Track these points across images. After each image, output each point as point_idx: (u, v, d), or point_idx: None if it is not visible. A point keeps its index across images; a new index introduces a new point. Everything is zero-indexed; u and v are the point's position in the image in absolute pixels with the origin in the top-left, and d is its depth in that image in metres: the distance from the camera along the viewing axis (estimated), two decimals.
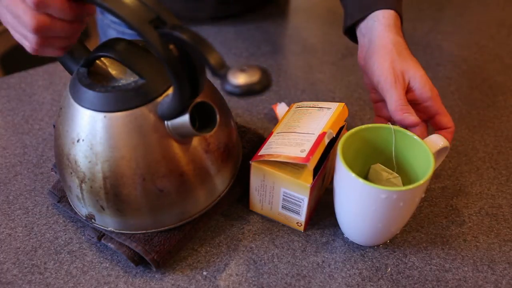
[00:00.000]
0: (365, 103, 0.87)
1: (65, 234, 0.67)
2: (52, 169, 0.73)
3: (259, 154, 0.65)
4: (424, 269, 0.65)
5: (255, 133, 0.73)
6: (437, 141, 0.63)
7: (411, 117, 0.64)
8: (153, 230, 0.63)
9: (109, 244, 0.63)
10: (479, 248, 0.67)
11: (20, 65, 1.01)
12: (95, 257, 0.65)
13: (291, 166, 0.63)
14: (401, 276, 0.64)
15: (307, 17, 1.07)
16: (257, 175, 0.65)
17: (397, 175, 0.66)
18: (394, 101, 0.65)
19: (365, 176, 0.68)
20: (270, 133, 0.68)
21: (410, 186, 0.58)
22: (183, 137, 0.58)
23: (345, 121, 0.69)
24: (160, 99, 0.57)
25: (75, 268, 0.64)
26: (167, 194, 0.60)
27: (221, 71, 0.46)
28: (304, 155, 0.62)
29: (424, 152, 0.61)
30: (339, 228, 0.68)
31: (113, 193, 0.59)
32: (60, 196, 0.68)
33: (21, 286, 0.62)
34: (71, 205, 0.67)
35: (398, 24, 0.71)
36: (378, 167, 0.67)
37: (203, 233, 0.68)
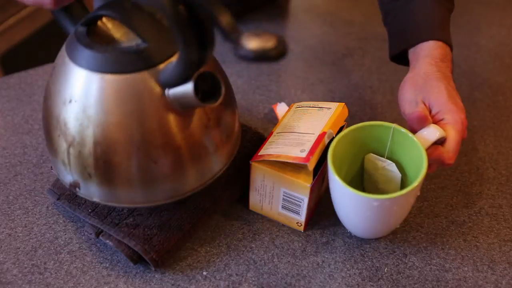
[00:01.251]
0: (365, 103, 0.87)
1: (65, 234, 0.67)
2: (52, 168, 0.73)
3: (259, 154, 0.65)
4: (424, 269, 0.64)
5: (255, 133, 0.73)
6: (433, 132, 0.62)
7: (416, 112, 0.63)
8: (141, 206, 0.60)
9: (107, 241, 0.63)
10: (479, 248, 0.67)
11: (20, 65, 1.01)
12: (95, 257, 0.65)
13: (291, 166, 0.63)
14: (401, 276, 0.64)
15: (307, 17, 1.07)
16: (257, 175, 0.65)
17: (391, 162, 0.65)
18: (408, 114, 0.64)
19: (361, 167, 0.68)
20: (270, 133, 0.68)
21: (402, 192, 0.58)
22: (183, 108, 0.55)
23: (345, 121, 0.69)
24: (162, 65, 0.54)
25: (75, 268, 0.64)
26: (161, 167, 0.57)
27: (234, 35, 0.44)
28: (304, 155, 0.62)
29: (418, 151, 0.61)
30: (339, 228, 0.68)
31: (103, 160, 0.56)
32: (60, 194, 0.68)
33: (21, 286, 0.62)
34: (70, 202, 0.67)
35: (436, 54, 0.69)
36: (372, 156, 0.66)
37: (203, 233, 0.68)
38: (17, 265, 0.64)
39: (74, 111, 0.55)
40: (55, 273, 0.63)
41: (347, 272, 0.64)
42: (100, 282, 0.63)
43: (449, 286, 0.63)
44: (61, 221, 0.69)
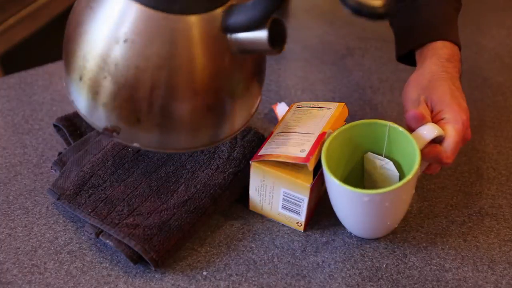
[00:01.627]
0: (365, 103, 0.87)
1: (65, 234, 0.67)
2: (52, 168, 0.73)
3: (259, 154, 0.65)
4: (424, 269, 0.64)
5: (255, 133, 0.73)
6: (431, 130, 0.62)
7: (412, 111, 0.63)
8: (182, 151, 0.59)
9: (107, 241, 0.63)
10: (479, 248, 0.67)
11: (20, 65, 1.01)
12: (95, 257, 0.65)
13: (291, 166, 0.63)
14: (401, 276, 0.64)
15: (307, 17, 1.07)
16: (257, 175, 0.65)
17: (389, 160, 0.65)
18: (407, 113, 0.64)
19: (361, 166, 0.68)
20: (270, 133, 0.68)
21: (392, 187, 0.58)
22: (243, 53, 0.54)
23: (345, 121, 0.69)
24: (222, 9, 0.52)
25: (75, 268, 0.64)
26: (214, 113, 0.56)
27: None
28: (304, 155, 0.62)
29: (413, 149, 0.61)
30: (339, 228, 0.68)
31: (159, 105, 0.53)
32: (60, 194, 0.68)
33: (21, 286, 0.62)
34: (70, 202, 0.67)
35: (442, 53, 0.69)
36: (370, 155, 0.67)
37: (203, 233, 0.68)
38: (17, 265, 0.64)
39: (129, 52, 0.51)
40: (55, 273, 0.63)
41: (347, 272, 0.64)
42: (100, 282, 0.63)
43: (449, 286, 0.63)
44: (61, 221, 0.69)
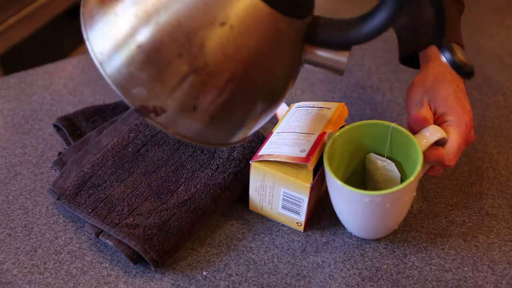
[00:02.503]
0: (365, 103, 0.87)
1: (65, 234, 0.67)
2: (52, 168, 0.73)
3: (259, 154, 0.65)
4: (424, 269, 0.65)
5: (255, 133, 0.73)
6: (433, 132, 0.62)
7: (415, 114, 0.63)
8: (214, 146, 0.56)
9: (107, 241, 0.63)
10: (479, 248, 0.67)
11: (20, 65, 1.01)
12: (95, 257, 0.65)
13: (291, 166, 0.63)
14: (401, 276, 0.64)
15: None
16: (257, 175, 0.65)
17: (391, 161, 0.65)
18: (410, 116, 0.64)
19: (363, 167, 0.68)
20: (270, 133, 0.68)
21: (394, 189, 0.58)
22: (311, 65, 0.53)
23: (345, 121, 0.69)
24: (309, 19, 0.51)
25: (75, 268, 0.64)
26: (263, 116, 0.54)
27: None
28: (304, 155, 0.62)
29: (415, 151, 0.61)
30: (339, 228, 0.68)
31: (225, 99, 0.49)
32: (60, 194, 0.68)
33: (21, 286, 0.62)
34: (70, 202, 0.67)
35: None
36: (372, 156, 0.67)
37: (203, 233, 0.68)
38: (17, 265, 0.64)
39: (223, 36, 0.47)
40: (55, 273, 0.63)
41: (347, 272, 0.64)
42: (100, 282, 0.63)
43: (449, 286, 0.63)
44: (61, 221, 0.69)
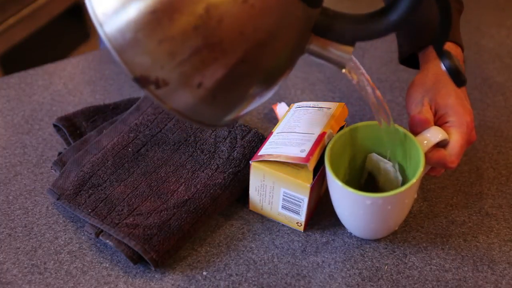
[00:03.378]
0: (365, 103, 0.87)
1: (65, 234, 0.67)
2: (52, 168, 0.73)
3: (259, 154, 0.65)
4: (424, 269, 0.64)
5: (255, 133, 0.73)
6: (435, 134, 0.62)
7: (417, 116, 0.63)
8: (205, 126, 0.53)
9: (107, 241, 0.63)
10: (479, 248, 0.67)
11: (20, 65, 1.01)
12: (95, 257, 0.65)
13: (291, 166, 0.63)
14: (401, 276, 0.64)
15: None
16: (257, 175, 0.65)
17: (391, 163, 0.65)
18: (411, 116, 0.64)
19: (363, 167, 0.68)
20: (270, 133, 0.68)
21: (396, 191, 0.58)
22: (312, 55, 0.53)
23: (345, 121, 0.69)
24: (319, 9, 0.50)
25: (75, 268, 0.64)
26: (258, 96, 0.53)
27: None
28: (304, 155, 0.62)
29: (417, 153, 0.61)
30: (339, 228, 0.68)
31: (232, 78, 0.48)
32: (60, 194, 0.68)
33: (21, 286, 0.62)
34: (70, 202, 0.67)
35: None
36: (374, 156, 0.66)
37: (203, 233, 0.68)
38: (17, 265, 0.64)
39: (243, 15, 0.46)
40: (55, 273, 0.63)
41: (347, 272, 0.64)
42: (100, 282, 0.63)
43: (449, 286, 0.63)
44: (61, 221, 0.69)
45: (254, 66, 0.49)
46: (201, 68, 0.46)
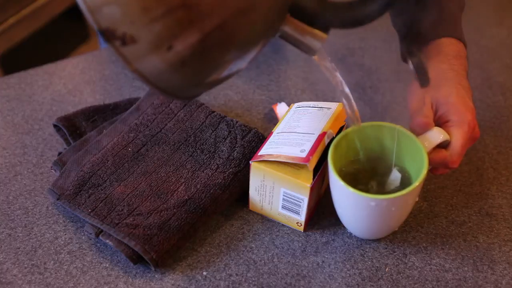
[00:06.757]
0: (365, 103, 0.87)
1: (65, 234, 0.67)
2: (52, 168, 0.73)
3: (259, 154, 0.65)
4: (424, 269, 0.65)
5: (255, 133, 0.73)
6: (437, 135, 0.62)
7: (419, 119, 0.63)
8: (168, 94, 0.51)
9: (107, 241, 0.63)
10: (479, 248, 0.67)
11: (20, 65, 1.01)
12: (95, 257, 0.65)
13: (291, 166, 0.63)
14: (401, 276, 0.64)
15: None
16: (257, 175, 0.65)
17: (394, 164, 0.65)
18: (413, 119, 0.64)
19: (364, 167, 0.68)
20: (270, 133, 0.68)
21: (401, 193, 0.58)
22: (283, 38, 0.52)
23: (345, 121, 0.69)
24: None
25: (75, 268, 0.64)
26: (226, 72, 0.51)
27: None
28: (304, 155, 0.62)
29: (420, 154, 0.61)
30: (339, 228, 0.68)
31: (205, 45, 0.46)
32: (60, 194, 0.68)
33: (21, 286, 0.62)
34: (70, 202, 0.67)
35: (449, 51, 0.68)
36: (376, 157, 0.66)
37: (203, 233, 0.68)
38: (17, 265, 0.64)
39: None
40: (55, 273, 0.63)
41: (347, 272, 0.64)
42: (100, 282, 0.63)
43: (449, 286, 0.63)
44: (61, 221, 0.69)
45: (230, 36, 0.46)
46: (174, 30, 0.44)
